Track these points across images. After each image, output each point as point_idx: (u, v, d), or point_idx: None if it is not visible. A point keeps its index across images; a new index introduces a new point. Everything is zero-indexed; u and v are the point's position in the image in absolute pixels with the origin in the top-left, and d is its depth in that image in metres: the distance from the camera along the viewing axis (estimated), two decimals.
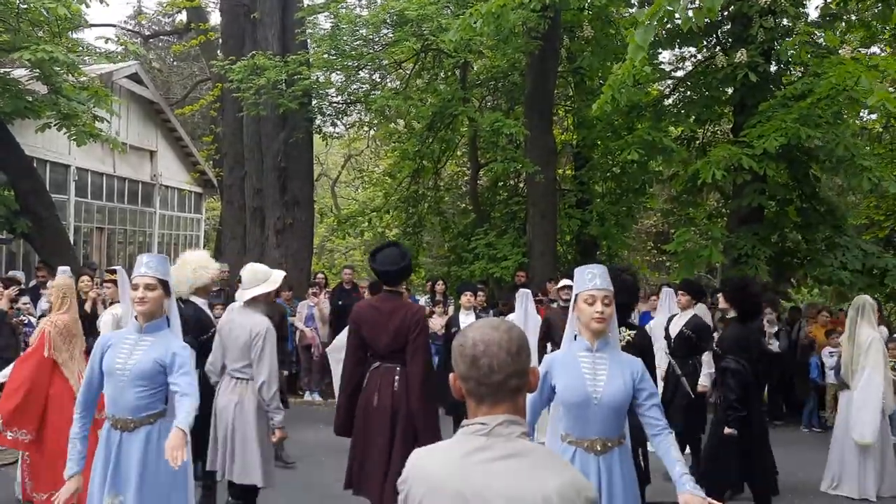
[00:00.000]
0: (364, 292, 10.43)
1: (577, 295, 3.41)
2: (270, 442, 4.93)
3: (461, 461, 1.77)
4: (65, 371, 5.62)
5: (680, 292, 7.41)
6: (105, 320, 6.60)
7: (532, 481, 1.71)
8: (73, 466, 3.63)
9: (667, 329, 7.24)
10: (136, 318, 3.73)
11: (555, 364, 3.39)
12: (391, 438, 4.55)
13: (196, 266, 5.51)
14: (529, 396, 3.07)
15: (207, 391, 5.02)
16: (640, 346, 4.55)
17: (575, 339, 3.54)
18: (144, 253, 3.85)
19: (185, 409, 3.50)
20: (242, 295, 4.93)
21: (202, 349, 5.27)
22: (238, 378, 4.89)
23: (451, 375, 1.87)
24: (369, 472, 4.58)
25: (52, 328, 5.69)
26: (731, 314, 5.97)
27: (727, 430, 5.51)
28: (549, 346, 7.42)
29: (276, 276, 5.06)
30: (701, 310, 7.61)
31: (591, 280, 3.37)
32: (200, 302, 5.67)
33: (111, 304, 6.93)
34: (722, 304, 6.29)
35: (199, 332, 5.36)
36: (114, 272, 7.03)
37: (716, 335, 7.18)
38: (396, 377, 4.65)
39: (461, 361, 1.81)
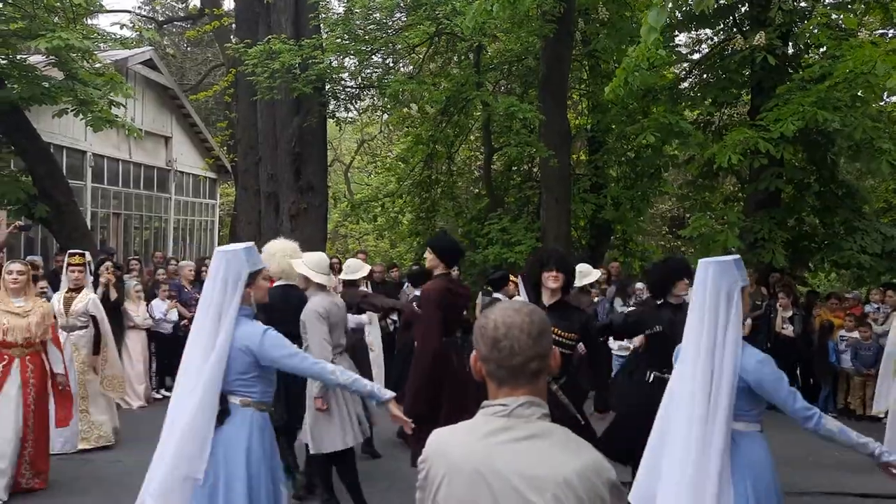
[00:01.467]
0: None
1: (743, 288, 3.43)
2: None
3: (482, 442, 1.78)
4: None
5: None
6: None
7: (552, 463, 1.71)
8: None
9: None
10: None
11: None
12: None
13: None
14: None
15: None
16: None
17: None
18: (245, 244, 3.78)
19: None
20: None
21: None
22: (342, 352, 5.41)
23: (472, 356, 1.89)
24: None
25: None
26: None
27: None
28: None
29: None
30: None
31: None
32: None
33: (76, 289, 6.98)
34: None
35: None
36: (83, 255, 7.14)
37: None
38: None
39: (482, 343, 1.82)
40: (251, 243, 3.76)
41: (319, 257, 5.41)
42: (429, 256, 5.40)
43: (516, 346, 1.78)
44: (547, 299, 4.57)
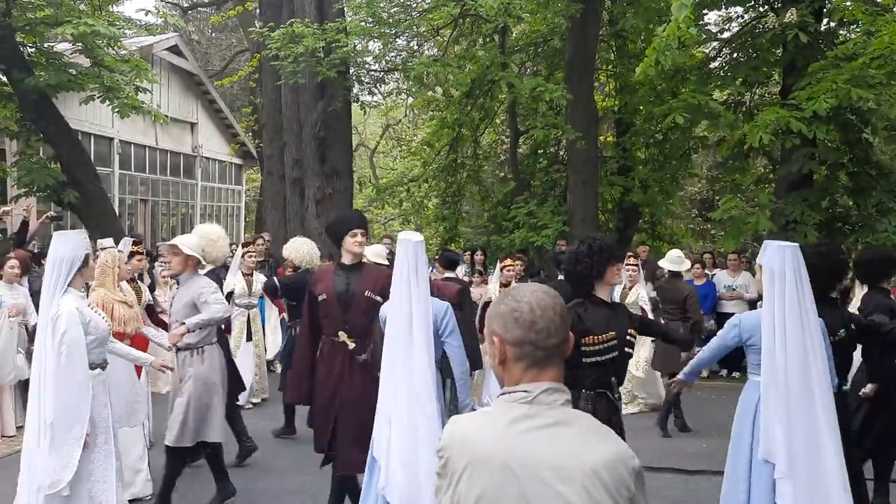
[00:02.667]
0: None
1: None
2: None
3: (505, 430, 1.74)
4: None
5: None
6: None
7: (579, 451, 1.69)
8: None
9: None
10: None
11: None
12: None
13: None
14: None
15: None
16: None
17: None
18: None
19: None
20: None
21: None
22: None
23: (495, 338, 1.82)
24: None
25: None
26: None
27: None
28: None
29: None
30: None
31: None
32: None
33: (138, 278, 6.97)
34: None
35: None
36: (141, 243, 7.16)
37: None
38: None
39: (516, 326, 1.78)
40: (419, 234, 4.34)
41: (196, 242, 5.31)
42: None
43: (552, 328, 1.77)
44: (606, 295, 3.99)
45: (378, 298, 4.70)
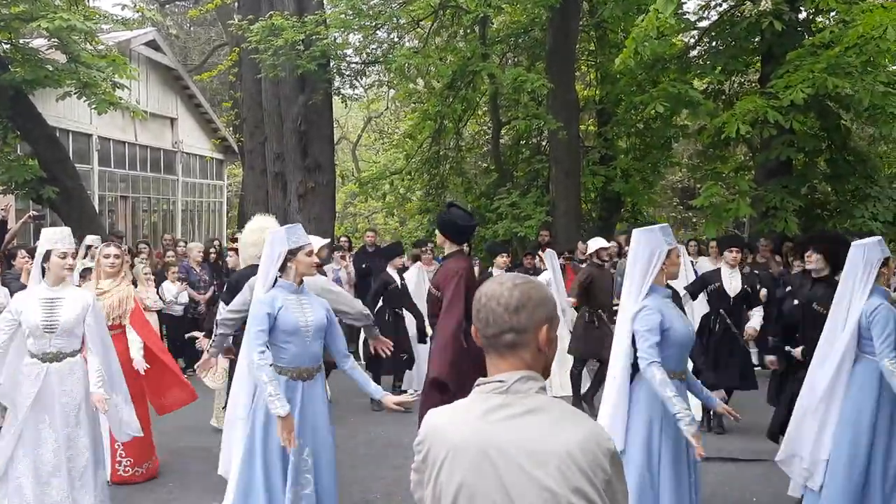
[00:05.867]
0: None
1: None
2: None
3: (481, 420, 1.77)
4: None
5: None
6: None
7: (553, 436, 1.71)
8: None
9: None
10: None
11: None
12: None
13: None
14: None
15: None
16: None
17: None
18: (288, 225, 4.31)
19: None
20: None
21: None
22: None
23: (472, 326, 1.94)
24: None
25: None
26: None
27: None
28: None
29: None
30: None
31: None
32: None
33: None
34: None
35: None
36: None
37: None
38: None
39: (473, 312, 1.88)
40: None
41: None
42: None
43: (490, 318, 1.81)
44: None
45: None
